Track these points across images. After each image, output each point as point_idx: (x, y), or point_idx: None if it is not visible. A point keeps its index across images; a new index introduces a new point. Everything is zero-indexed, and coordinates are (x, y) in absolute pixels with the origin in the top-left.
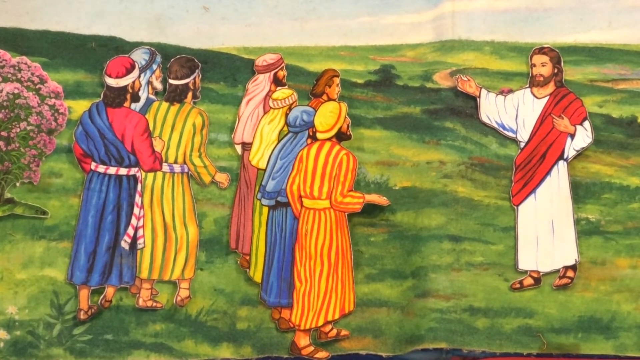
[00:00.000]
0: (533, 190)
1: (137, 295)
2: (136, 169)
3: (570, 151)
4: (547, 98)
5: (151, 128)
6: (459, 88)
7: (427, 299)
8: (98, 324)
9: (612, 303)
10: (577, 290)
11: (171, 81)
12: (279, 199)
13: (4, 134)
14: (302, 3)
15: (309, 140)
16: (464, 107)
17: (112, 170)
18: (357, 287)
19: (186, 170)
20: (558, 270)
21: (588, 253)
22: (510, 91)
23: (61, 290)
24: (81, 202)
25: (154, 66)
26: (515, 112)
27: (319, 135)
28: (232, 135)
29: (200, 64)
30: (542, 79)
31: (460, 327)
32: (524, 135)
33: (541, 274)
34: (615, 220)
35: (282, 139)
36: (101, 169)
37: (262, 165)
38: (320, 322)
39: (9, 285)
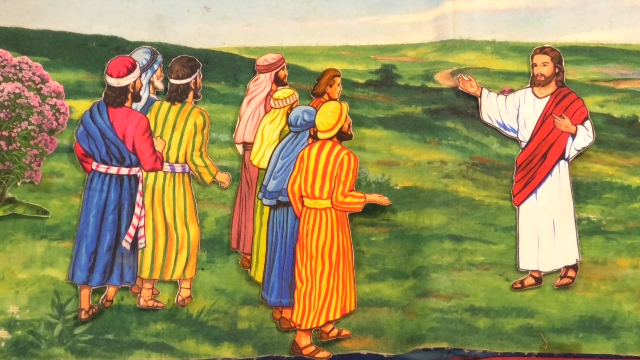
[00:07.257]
0: (534, 190)
1: (138, 295)
2: (137, 168)
3: (571, 151)
4: (548, 98)
5: (152, 128)
6: (460, 88)
7: (428, 299)
8: (99, 324)
9: (613, 303)
10: (578, 290)
11: (172, 81)
12: (280, 198)
13: (5, 133)
14: (303, 3)
15: (310, 140)
16: (465, 106)
17: (113, 170)
18: (358, 286)
19: (187, 170)
20: (559, 270)
21: (589, 253)
22: (512, 91)
23: (62, 290)
24: (82, 201)
25: (155, 66)
26: (516, 111)
27: (320, 135)
28: (233, 135)
29: (201, 64)
30: (543, 78)
31: (461, 326)
32: (525, 135)
33: (542, 273)
34: (616, 220)
35: (283, 138)
36: (102, 168)
37: (263, 165)
38: (322, 322)
39: (10, 285)
